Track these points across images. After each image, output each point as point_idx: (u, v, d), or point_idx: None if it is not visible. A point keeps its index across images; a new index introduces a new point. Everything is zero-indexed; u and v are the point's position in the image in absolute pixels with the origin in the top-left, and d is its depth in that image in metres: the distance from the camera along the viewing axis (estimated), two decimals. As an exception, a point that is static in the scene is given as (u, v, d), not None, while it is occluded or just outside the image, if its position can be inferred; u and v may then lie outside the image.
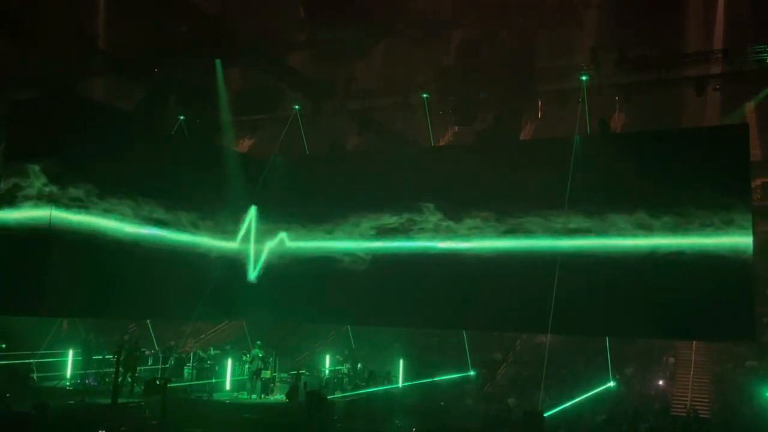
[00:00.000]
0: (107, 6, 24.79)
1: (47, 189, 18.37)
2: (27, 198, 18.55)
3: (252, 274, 23.86)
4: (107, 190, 19.60)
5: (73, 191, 18.72)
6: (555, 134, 25.72)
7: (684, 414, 20.49)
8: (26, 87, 22.44)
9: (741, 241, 17.78)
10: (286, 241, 23.74)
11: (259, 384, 20.02)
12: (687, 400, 22.18)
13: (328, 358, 23.81)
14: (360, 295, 22.20)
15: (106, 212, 19.58)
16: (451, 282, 21.07)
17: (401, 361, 22.36)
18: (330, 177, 23.77)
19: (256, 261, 23.98)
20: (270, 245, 23.92)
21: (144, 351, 22.88)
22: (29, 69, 21.96)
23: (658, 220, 18.69)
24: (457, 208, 21.37)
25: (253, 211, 24.16)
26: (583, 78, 20.42)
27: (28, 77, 22.24)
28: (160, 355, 22.88)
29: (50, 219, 18.09)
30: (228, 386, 21.10)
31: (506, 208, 20.68)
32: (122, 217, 20.04)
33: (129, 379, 19.65)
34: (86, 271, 19.05)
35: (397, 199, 22.23)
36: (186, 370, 21.96)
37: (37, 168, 18.53)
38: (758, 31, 21.53)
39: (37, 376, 20.59)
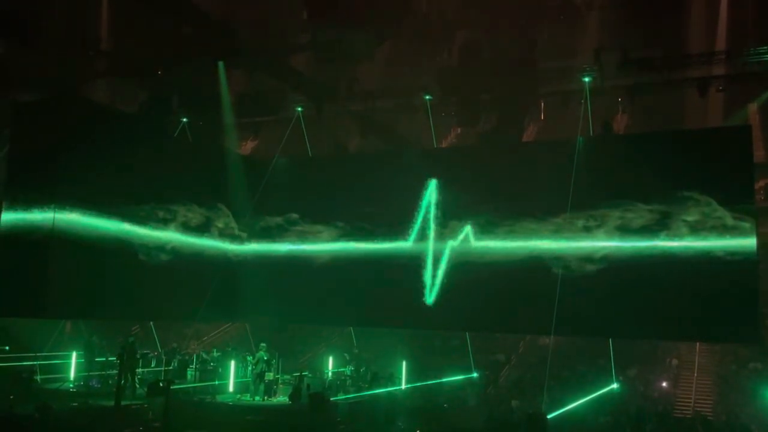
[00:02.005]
0: (110, 8, 24.85)
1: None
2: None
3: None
4: (110, 191, 19.63)
5: (76, 193, 18.76)
6: (557, 135, 25.71)
7: (688, 416, 20.45)
8: (29, 89, 22.48)
9: (744, 242, 17.76)
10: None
11: (262, 386, 20.03)
12: (690, 402, 22.15)
13: (331, 359, 23.81)
14: (362, 296, 22.20)
15: (109, 214, 19.61)
16: (455, 284, 21.06)
17: (404, 363, 22.35)
18: (333, 178, 23.80)
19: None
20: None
21: (147, 353, 22.93)
22: (32, 71, 22.00)
23: (661, 222, 18.68)
24: (459, 208, 21.38)
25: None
26: (586, 79, 20.42)
27: (31, 79, 22.28)
28: (163, 357, 22.90)
29: (53, 221, 18.13)
30: (231, 388, 21.12)
31: (508, 209, 20.67)
32: (125, 218, 20.07)
33: (131, 380, 19.69)
34: (89, 272, 19.08)
35: (399, 201, 22.24)
36: (189, 372, 21.99)
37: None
38: (761, 32, 21.50)
39: (40, 378, 20.60)
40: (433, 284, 21.14)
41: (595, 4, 26.08)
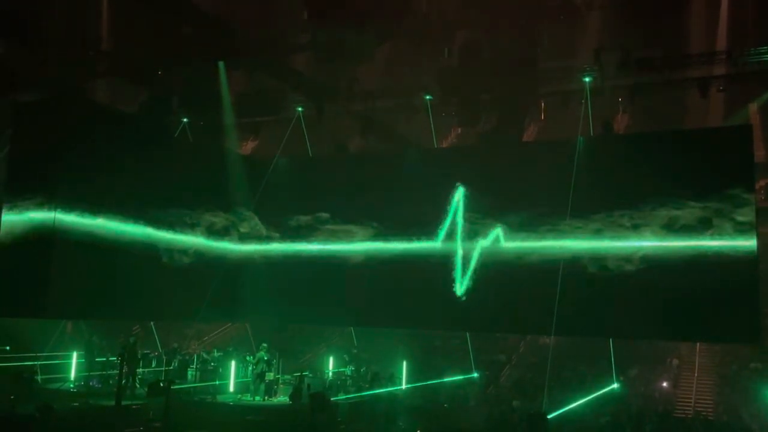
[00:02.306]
0: (110, 8, 24.83)
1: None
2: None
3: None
4: (111, 191, 19.64)
5: (77, 193, 18.76)
6: (558, 136, 25.70)
7: (688, 416, 20.45)
8: (30, 89, 22.47)
9: (745, 242, 17.76)
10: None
11: (262, 386, 20.04)
12: (691, 402, 22.14)
13: (331, 359, 23.81)
14: (363, 296, 22.19)
15: (110, 214, 19.62)
16: (457, 284, 21.06)
17: (405, 363, 22.36)
18: (333, 178, 23.81)
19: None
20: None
21: (148, 353, 22.94)
22: (33, 71, 22.00)
23: (662, 222, 18.67)
24: (461, 208, 21.40)
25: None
26: (587, 79, 20.42)
27: (31, 80, 22.28)
28: (164, 357, 22.91)
29: (54, 221, 18.14)
30: (231, 388, 21.13)
31: (509, 210, 20.68)
32: (126, 218, 20.08)
33: (131, 381, 19.70)
34: (90, 272, 19.08)
35: (400, 201, 22.24)
36: (189, 372, 22.00)
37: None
38: (762, 32, 21.47)
39: (41, 378, 20.62)
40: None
41: (595, 4, 26.00)
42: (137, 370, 20.67)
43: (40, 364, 20.84)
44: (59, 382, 21.08)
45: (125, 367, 19.81)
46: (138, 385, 19.98)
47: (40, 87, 22.15)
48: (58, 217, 18.20)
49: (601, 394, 20.15)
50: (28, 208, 18.40)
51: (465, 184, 21.48)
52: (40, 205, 18.29)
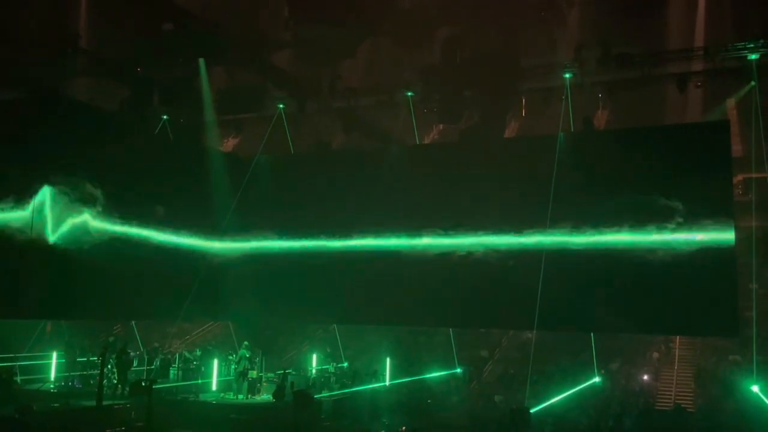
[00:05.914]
0: (90, 5, 24.57)
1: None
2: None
3: None
4: (90, 190, 19.44)
5: (56, 192, 18.55)
6: (539, 132, 25.85)
7: (668, 408, 20.69)
8: (7, 87, 22.15)
9: (723, 236, 17.98)
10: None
11: (245, 384, 19.96)
12: (671, 395, 22.40)
13: (315, 357, 23.78)
14: (345, 293, 22.19)
15: (89, 213, 19.41)
16: (438, 280, 21.11)
17: (388, 359, 22.39)
18: (315, 175, 23.78)
19: None
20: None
21: (129, 353, 22.73)
22: (10, 69, 21.69)
23: (641, 217, 18.85)
24: (442, 205, 21.45)
25: None
26: (567, 76, 20.55)
27: (9, 78, 21.95)
28: (146, 357, 22.72)
29: (32, 221, 17.92)
30: (214, 387, 21.02)
31: (492, 206, 20.77)
32: (105, 217, 19.89)
33: (119, 380, 19.54)
34: (70, 272, 18.88)
35: (382, 198, 22.26)
36: (172, 371, 21.84)
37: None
38: (739, 28, 21.73)
39: (21, 379, 20.37)
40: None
41: (575, 1, 26.22)
42: (127, 370, 20.37)
43: (19, 365, 20.58)
44: (39, 382, 20.83)
45: (116, 371, 19.68)
46: (120, 386, 19.81)
47: (19, 85, 21.84)
48: (36, 217, 17.97)
49: (583, 388, 20.32)
50: (5, 208, 18.14)
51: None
52: (18, 205, 18.04)
